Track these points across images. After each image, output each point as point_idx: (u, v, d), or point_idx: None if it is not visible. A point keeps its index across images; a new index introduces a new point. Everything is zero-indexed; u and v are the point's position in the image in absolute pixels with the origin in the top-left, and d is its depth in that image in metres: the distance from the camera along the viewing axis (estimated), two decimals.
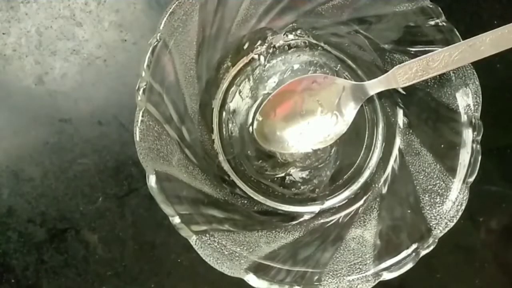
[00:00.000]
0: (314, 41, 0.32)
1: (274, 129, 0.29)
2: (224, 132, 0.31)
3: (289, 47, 0.32)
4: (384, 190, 0.29)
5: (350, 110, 0.29)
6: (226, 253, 0.23)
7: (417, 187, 0.27)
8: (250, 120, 0.31)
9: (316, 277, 0.24)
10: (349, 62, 0.32)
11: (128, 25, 0.33)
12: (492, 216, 0.32)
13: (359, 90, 0.29)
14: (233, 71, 0.32)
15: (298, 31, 0.31)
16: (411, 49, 0.27)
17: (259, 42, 0.31)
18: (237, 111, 0.31)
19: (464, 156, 0.25)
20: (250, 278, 0.23)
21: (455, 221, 0.25)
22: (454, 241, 0.31)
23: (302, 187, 0.31)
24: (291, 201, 0.31)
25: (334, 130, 0.29)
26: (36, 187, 0.31)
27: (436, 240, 0.24)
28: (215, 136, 0.31)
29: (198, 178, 0.27)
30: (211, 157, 0.30)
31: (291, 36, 0.32)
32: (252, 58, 0.32)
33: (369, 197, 0.29)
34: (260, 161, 0.31)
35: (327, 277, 0.24)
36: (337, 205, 0.30)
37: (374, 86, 0.28)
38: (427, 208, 0.25)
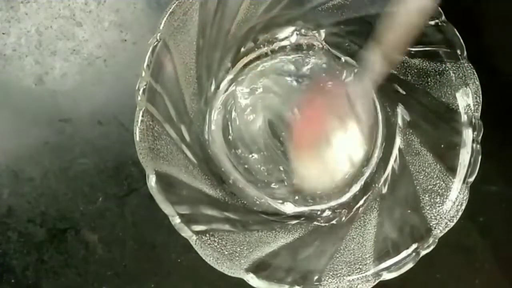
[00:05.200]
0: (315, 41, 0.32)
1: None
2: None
3: (289, 47, 0.32)
4: (384, 190, 0.29)
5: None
6: (226, 253, 0.23)
7: (417, 187, 0.27)
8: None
9: (316, 277, 0.24)
10: (349, 62, 0.32)
11: (128, 25, 0.33)
12: (492, 216, 0.32)
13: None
14: (233, 71, 0.32)
15: (298, 31, 0.31)
16: (411, 49, 0.27)
17: (259, 42, 0.31)
18: None
19: (464, 156, 0.25)
20: (250, 278, 0.23)
21: (455, 221, 0.25)
22: (454, 241, 0.31)
23: None
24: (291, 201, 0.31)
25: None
26: (36, 187, 0.31)
27: (436, 240, 0.24)
28: None
29: (198, 178, 0.27)
30: (211, 157, 0.30)
31: (291, 36, 0.32)
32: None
33: (369, 197, 0.29)
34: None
35: (327, 277, 0.24)
36: (337, 205, 0.30)
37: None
38: (427, 208, 0.25)
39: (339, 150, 0.28)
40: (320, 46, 0.32)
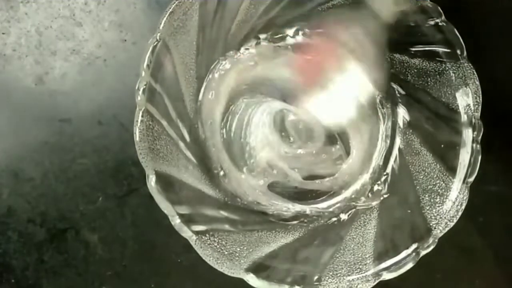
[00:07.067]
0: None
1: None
2: None
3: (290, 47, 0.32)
4: (384, 190, 0.29)
5: None
6: (226, 253, 0.23)
7: (417, 187, 0.27)
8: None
9: (316, 277, 0.24)
10: None
11: (128, 25, 0.33)
12: (492, 216, 0.32)
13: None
14: None
15: (299, 31, 0.31)
16: (411, 49, 0.27)
17: (259, 42, 0.31)
18: None
19: (464, 156, 0.25)
20: (250, 278, 0.23)
21: (455, 221, 0.25)
22: (454, 241, 0.31)
23: None
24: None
25: None
26: (36, 187, 0.31)
27: (436, 240, 0.24)
28: None
29: (198, 178, 0.27)
30: (211, 157, 0.30)
31: (291, 36, 0.32)
32: None
33: (369, 197, 0.29)
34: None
35: (327, 277, 0.24)
36: (337, 205, 0.30)
37: None
38: (427, 208, 0.25)
39: (343, 89, 0.28)
40: None
